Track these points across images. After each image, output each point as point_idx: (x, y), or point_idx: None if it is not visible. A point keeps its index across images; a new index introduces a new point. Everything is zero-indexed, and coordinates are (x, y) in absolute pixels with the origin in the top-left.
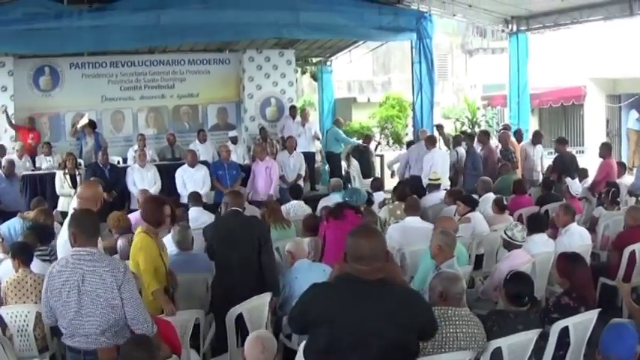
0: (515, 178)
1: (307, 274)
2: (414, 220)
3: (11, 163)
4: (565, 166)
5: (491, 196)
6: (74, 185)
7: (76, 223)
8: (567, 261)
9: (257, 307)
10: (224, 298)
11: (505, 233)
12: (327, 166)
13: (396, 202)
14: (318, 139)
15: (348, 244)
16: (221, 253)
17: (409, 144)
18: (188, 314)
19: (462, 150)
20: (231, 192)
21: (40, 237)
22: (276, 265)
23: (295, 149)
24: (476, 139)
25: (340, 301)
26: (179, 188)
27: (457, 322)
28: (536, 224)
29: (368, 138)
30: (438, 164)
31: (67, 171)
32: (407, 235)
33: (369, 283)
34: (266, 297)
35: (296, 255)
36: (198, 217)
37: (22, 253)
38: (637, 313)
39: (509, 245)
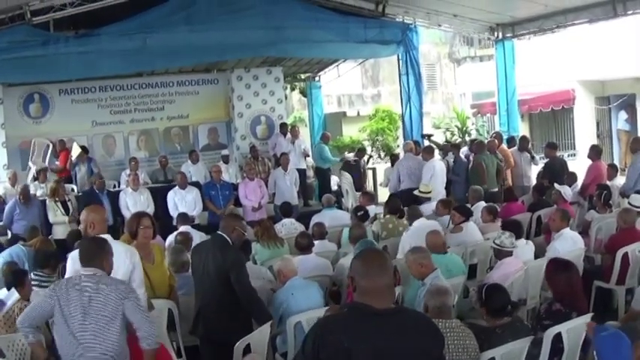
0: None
1: (304, 290)
2: (420, 222)
3: (25, 188)
4: (555, 171)
5: (482, 205)
6: (66, 212)
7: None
8: (556, 268)
9: (260, 339)
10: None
11: (494, 242)
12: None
13: (388, 216)
14: (308, 155)
15: (354, 265)
16: (196, 282)
17: (393, 159)
18: (161, 303)
19: (451, 160)
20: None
21: (45, 262)
22: (257, 293)
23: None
24: (466, 148)
25: (356, 334)
26: (171, 211)
27: (447, 335)
28: (514, 230)
29: (361, 152)
30: (438, 175)
31: (57, 198)
32: (421, 237)
33: (381, 312)
34: (266, 329)
35: (287, 273)
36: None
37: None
38: (632, 317)
39: (500, 253)
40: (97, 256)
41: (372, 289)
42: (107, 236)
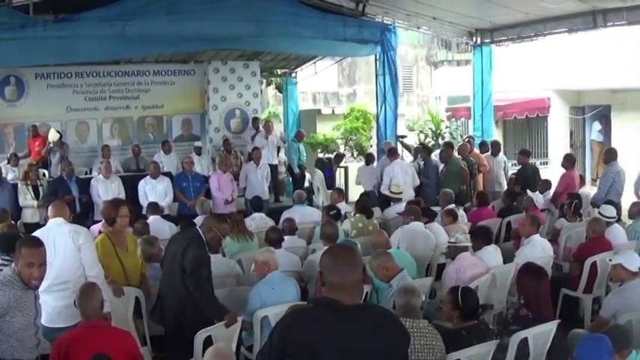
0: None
1: (283, 285)
2: (417, 225)
3: None
4: (527, 178)
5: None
6: (37, 196)
7: None
8: (528, 273)
9: (225, 332)
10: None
11: (449, 242)
12: (291, 177)
13: (357, 215)
14: (284, 141)
15: (324, 261)
16: (164, 270)
17: (367, 159)
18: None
19: (422, 162)
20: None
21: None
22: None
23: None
24: (439, 152)
25: (321, 329)
26: (141, 200)
27: (415, 334)
28: (484, 236)
29: (339, 157)
30: (398, 176)
31: (29, 182)
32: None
33: (349, 308)
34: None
35: (272, 266)
36: (159, 228)
37: None
38: (599, 325)
39: (456, 250)
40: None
41: (341, 284)
42: (55, 220)
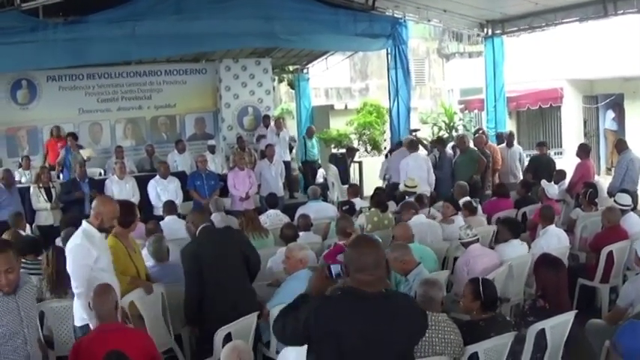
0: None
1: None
2: (419, 217)
3: (9, 172)
4: (540, 166)
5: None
6: (49, 198)
7: None
8: (545, 264)
9: (245, 326)
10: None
11: (459, 240)
12: (302, 174)
13: (372, 209)
14: (292, 147)
15: (349, 256)
16: (211, 273)
17: (390, 152)
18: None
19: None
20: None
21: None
22: None
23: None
24: (452, 145)
25: (345, 316)
26: (153, 200)
27: (433, 328)
28: (512, 229)
29: (350, 150)
30: (413, 170)
31: (41, 185)
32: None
33: (372, 296)
34: (253, 317)
35: (306, 264)
36: (174, 226)
37: None
38: (617, 314)
39: (466, 245)
40: None
41: (365, 281)
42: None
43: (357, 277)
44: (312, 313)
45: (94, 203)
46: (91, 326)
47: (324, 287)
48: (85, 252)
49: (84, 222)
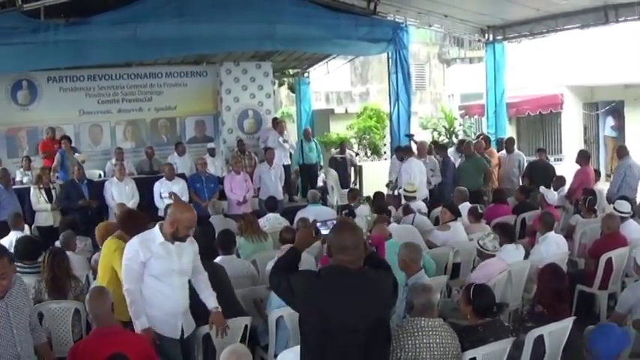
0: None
1: None
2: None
3: (5, 172)
4: (536, 172)
5: (467, 206)
6: (50, 199)
7: None
8: (551, 277)
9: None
10: None
11: (478, 243)
12: (300, 177)
13: (374, 215)
14: (291, 147)
15: (332, 238)
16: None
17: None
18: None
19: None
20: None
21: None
22: None
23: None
24: (454, 149)
25: (330, 291)
26: (157, 202)
27: (430, 333)
28: (507, 234)
29: (342, 146)
30: (415, 174)
31: (41, 186)
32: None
33: (353, 273)
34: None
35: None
36: None
37: None
38: (615, 321)
39: (482, 254)
40: None
41: (346, 260)
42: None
43: (338, 257)
44: (301, 286)
45: (170, 209)
46: (136, 328)
47: (309, 241)
48: (130, 252)
49: (157, 226)
